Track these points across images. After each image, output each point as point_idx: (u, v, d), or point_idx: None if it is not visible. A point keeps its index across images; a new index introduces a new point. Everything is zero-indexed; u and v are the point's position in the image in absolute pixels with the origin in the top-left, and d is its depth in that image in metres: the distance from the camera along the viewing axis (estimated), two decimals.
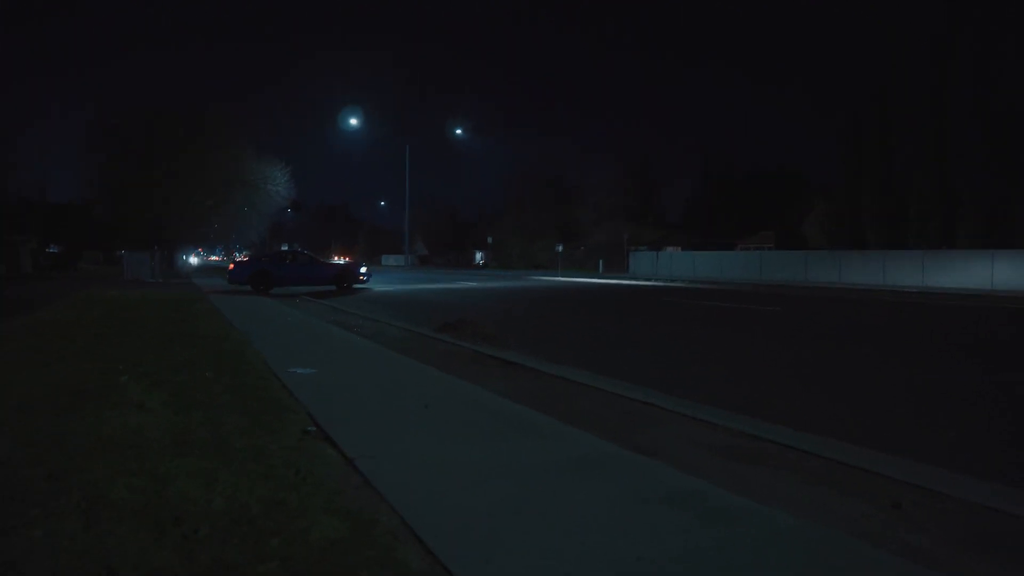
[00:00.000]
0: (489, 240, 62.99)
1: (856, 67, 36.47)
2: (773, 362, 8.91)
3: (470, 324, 11.82)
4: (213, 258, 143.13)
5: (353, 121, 47.51)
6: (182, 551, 2.77)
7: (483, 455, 4.15)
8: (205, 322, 11.94)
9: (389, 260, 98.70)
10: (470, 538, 2.93)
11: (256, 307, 15.80)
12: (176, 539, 2.88)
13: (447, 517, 3.17)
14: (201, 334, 10.10)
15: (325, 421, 4.93)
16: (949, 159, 30.47)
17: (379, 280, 32.49)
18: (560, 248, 45.63)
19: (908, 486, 3.79)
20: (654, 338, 11.60)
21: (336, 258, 64.24)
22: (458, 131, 49.96)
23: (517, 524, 3.08)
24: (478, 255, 78.20)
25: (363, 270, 25.60)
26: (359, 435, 4.58)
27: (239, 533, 2.95)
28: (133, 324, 11.35)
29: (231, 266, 25.27)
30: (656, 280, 36.61)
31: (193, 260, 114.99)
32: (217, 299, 18.30)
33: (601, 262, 49.60)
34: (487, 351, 8.87)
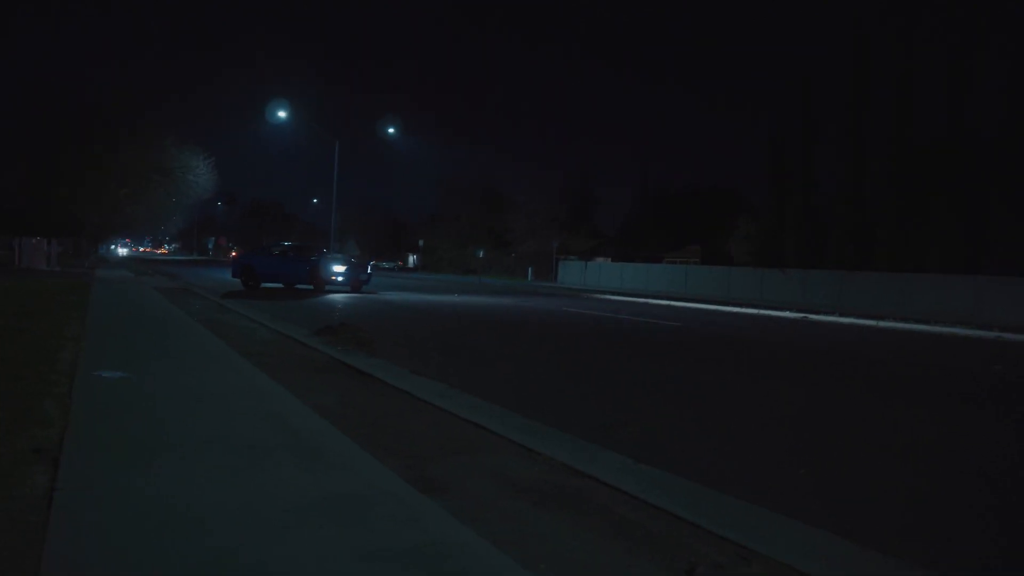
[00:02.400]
0: (420, 243, 62.00)
1: (785, 93, 37.00)
2: (649, 379, 8.38)
3: (350, 328, 11.06)
4: (143, 249, 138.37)
5: (282, 114, 45.91)
6: None
7: (229, 492, 3.40)
8: (52, 316, 10.86)
9: None
10: None
11: (139, 302, 14.68)
12: None
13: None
14: (33, 328, 9.08)
15: (74, 438, 4.12)
16: (868, 185, 30.98)
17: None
18: (481, 253, 45.00)
19: (729, 544, 3.20)
20: (538, 351, 11.01)
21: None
22: (390, 131, 48.93)
23: None
24: (411, 258, 77.06)
25: (338, 269, 22.82)
26: (100, 459, 3.79)
27: None
28: None
29: (233, 255, 26.67)
30: (582, 289, 36.32)
31: (122, 251, 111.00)
32: (102, 291, 17.02)
33: (531, 269, 49.21)
34: (347, 359, 8.10)
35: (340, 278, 22.68)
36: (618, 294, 33.41)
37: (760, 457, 5.13)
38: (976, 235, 27.68)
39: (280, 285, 23.40)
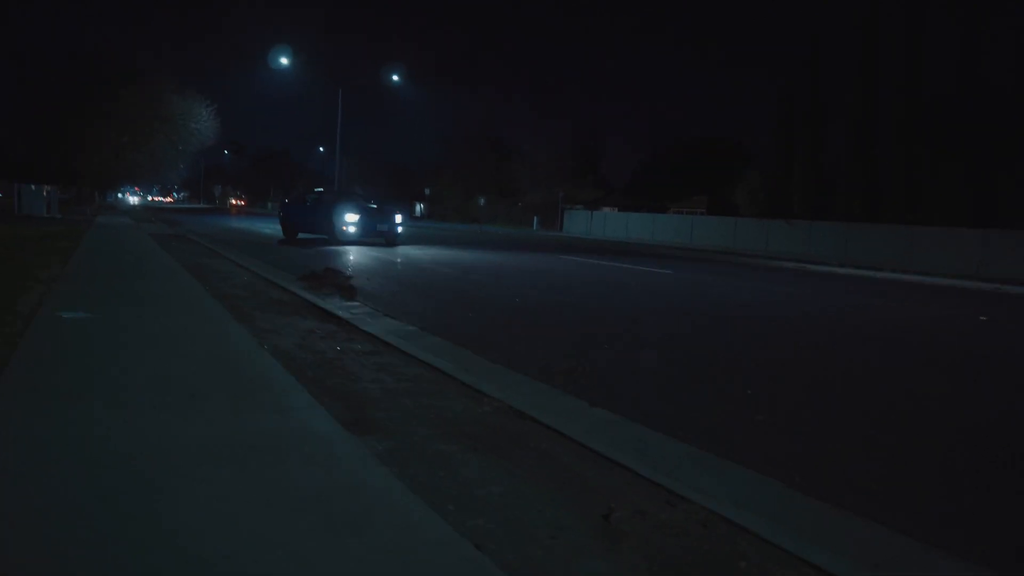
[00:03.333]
0: (427, 192, 61.64)
1: (795, 43, 36.08)
2: (623, 324, 8.25)
3: (334, 273, 10.97)
4: (151, 198, 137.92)
5: (285, 60, 45.35)
6: None
7: (150, 433, 3.31)
8: (34, 259, 10.78)
9: None
10: None
11: (130, 248, 14.60)
12: None
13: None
14: (7, 272, 9.00)
15: (8, 377, 4.04)
16: (876, 139, 30.38)
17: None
18: (482, 202, 44.72)
19: (662, 491, 3.09)
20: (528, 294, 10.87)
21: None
22: (396, 78, 48.31)
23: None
24: (418, 207, 76.70)
25: (350, 217, 19.35)
26: (28, 398, 3.71)
27: None
28: None
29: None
30: (586, 238, 36.03)
31: (133, 199, 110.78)
32: (95, 237, 16.94)
33: (536, 219, 48.88)
34: (322, 303, 7.99)
35: (352, 228, 19.30)
36: (626, 242, 33.15)
37: (724, 402, 5.01)
38: (984, 190, 27.19)
39: (314, 236, 21.24)
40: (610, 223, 42.47)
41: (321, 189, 26.06)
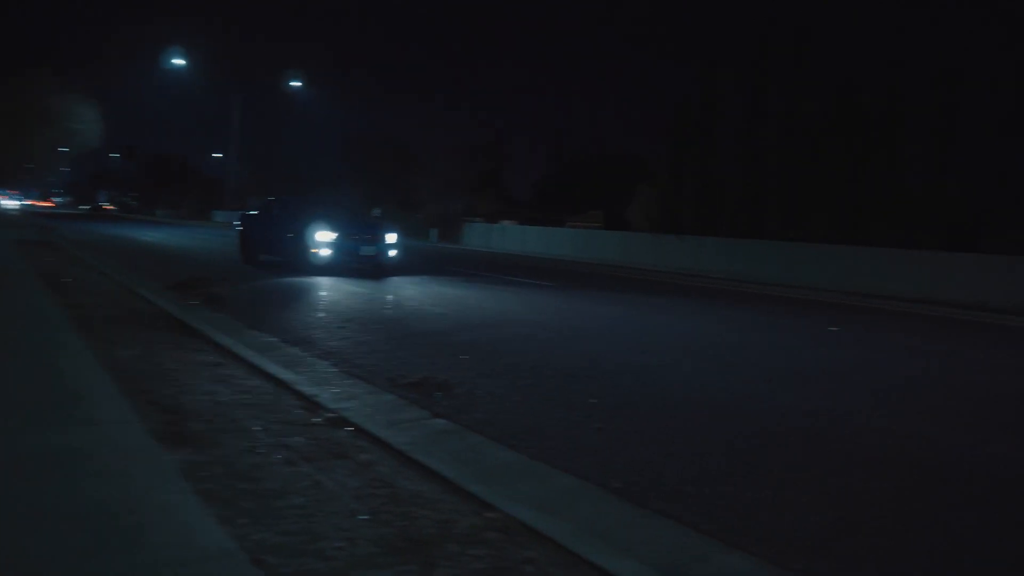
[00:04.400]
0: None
1: (687, 60, 37.44)
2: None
3: (203, 282, 10.61)
4: (28, 202, 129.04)
5: (179, 61, 43.77)
6: None
7: None
8: None
9: (219, 216, 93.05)
10: None
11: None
12: None
13: None
14: None
15: None
16: (760, 157, 31.92)
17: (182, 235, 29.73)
18: (378, 212, 44.24)
19: (476, 501, 3.10)
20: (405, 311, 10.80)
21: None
22: (295, 83, 47.44)
23: None
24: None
25: (321, 237, 13.83)
26: None
27: None
28: None
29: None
30: (484, 250, 36.18)
31: (6, 203, 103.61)
32: None
33: (435, 231, 48.73)
34: (182, 314, 7.68)
35: (325, 252, 13.81)
36: (523, 255, 33.44)
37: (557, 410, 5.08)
38: (860, 207, 28.87)
39: (279, 260, 15.36)
40: (508, 236, 42.82)
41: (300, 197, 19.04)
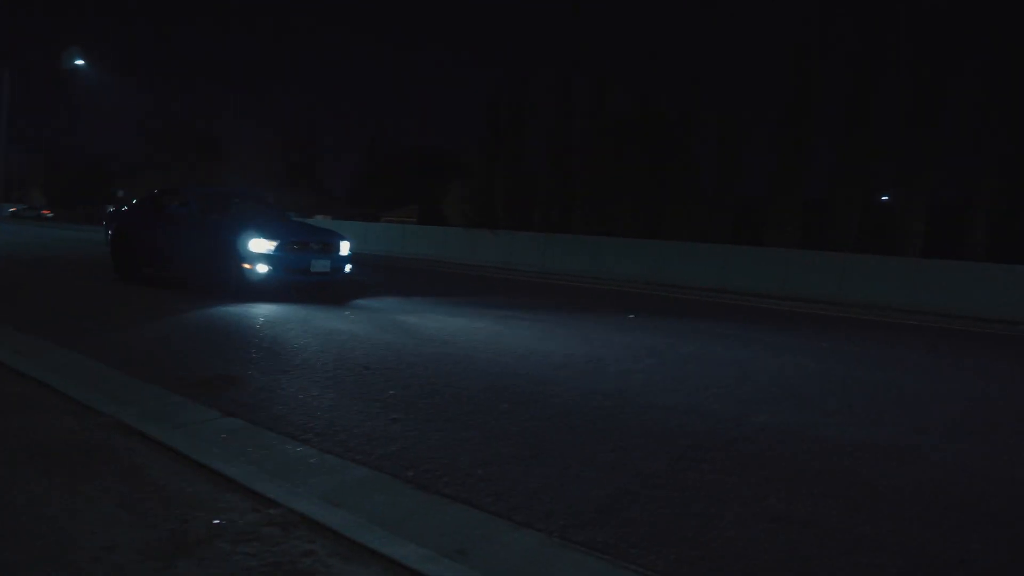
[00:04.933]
0: (120, 193, 55.90)
1: (504, 54, 38.31)
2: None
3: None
4: None
5: None
6: None
7: None
8: None
9: None
10: None
11: None
12: None
13: None
14: None
15: None
16: (569, 152, 33.37)
17: None
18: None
19: (258, 498, 2.96)
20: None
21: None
22: (80, 62, 43.36)
23: None
24: (110, 209, 69.08)
25: (258, 246, 10.02)
26: None
27: None
28: None
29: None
30: None
31: None
32: None
33: None
34: None
35: (263, 267, 10.07)
36: None
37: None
38: (659, 204, 30.89)
39: (177, 275, 11.74)
40: None
41: (209, 188, 14.29)
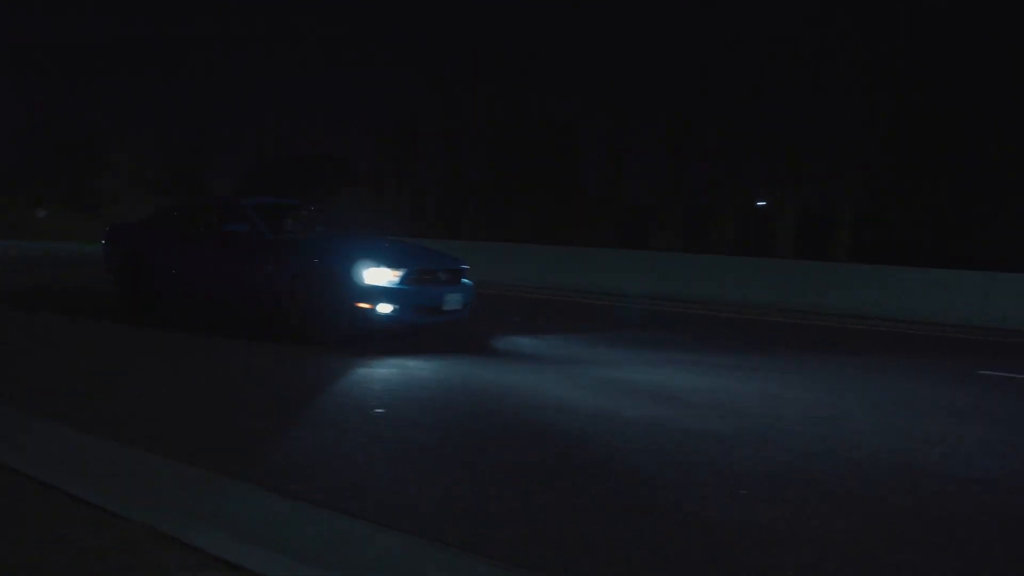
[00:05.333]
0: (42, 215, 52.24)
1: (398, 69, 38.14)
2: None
3: None
4: None
5: None
6: None
7: None
8: None
9: None
10: None
11: None
12: None
13: None
14: None
15: None
16: (461, 160, 33.70)
17: None
18: (43, 215, 39.69)
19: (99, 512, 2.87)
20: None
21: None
22: None
23: None
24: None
25: (376, 276, 7.38)
26: None
27: None
28: None
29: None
30: None
31: None
32: None
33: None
34: None
35: (389, 308, 7.38)
36: None
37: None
38: (550, 211, 31.53)
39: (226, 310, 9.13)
40: None
41: (254, 200, 9.40)
